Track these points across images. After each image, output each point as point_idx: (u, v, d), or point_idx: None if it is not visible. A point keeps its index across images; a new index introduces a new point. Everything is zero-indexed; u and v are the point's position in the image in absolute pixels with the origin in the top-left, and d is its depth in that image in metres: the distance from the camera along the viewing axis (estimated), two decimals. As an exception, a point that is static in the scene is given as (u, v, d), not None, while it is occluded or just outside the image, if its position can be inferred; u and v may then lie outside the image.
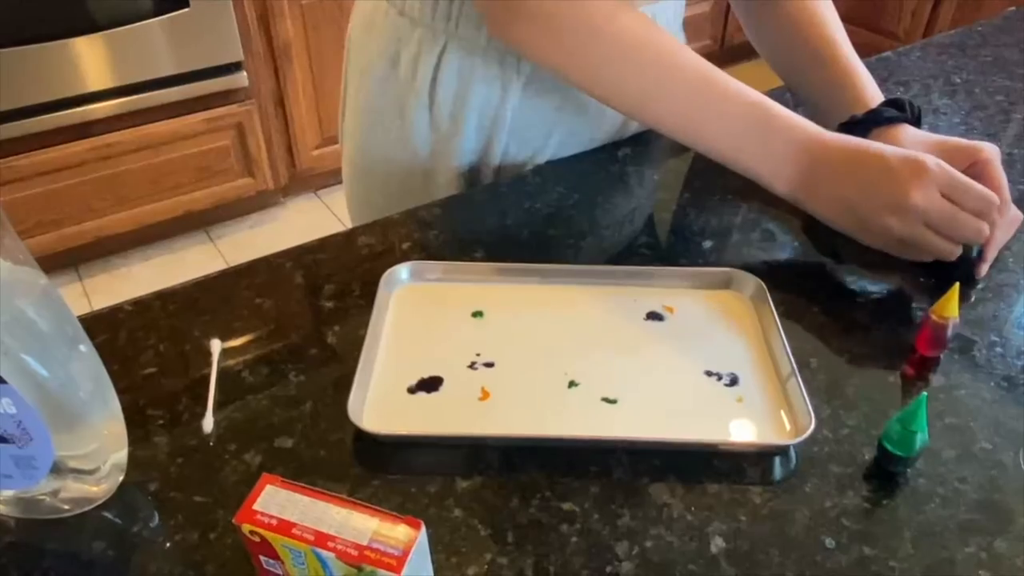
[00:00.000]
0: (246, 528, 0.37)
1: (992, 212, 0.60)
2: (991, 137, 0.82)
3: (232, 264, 0.66)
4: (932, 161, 0.59)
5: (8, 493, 0.45)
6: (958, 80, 0.93)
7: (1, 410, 0.40)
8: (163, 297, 0.61)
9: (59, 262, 2.09)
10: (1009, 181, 0.64)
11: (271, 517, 0.37)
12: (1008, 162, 0.76)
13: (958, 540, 0.45)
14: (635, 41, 0.64)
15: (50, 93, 1.81)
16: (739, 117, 0.64)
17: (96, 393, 0.45)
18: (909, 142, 0.68)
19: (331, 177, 2.34)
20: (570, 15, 0.64)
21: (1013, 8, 1.10)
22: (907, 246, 0.62)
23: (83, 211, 2.00)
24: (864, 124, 0.70)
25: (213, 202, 2.17)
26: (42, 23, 1.73)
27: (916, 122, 0.71)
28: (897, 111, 0.70)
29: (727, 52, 2.85)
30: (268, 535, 0.37)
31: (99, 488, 0.46)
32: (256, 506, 0.38)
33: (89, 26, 1.78)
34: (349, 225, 0.78)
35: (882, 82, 0.78)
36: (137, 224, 2.09)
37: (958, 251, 0.61)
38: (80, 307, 1.71)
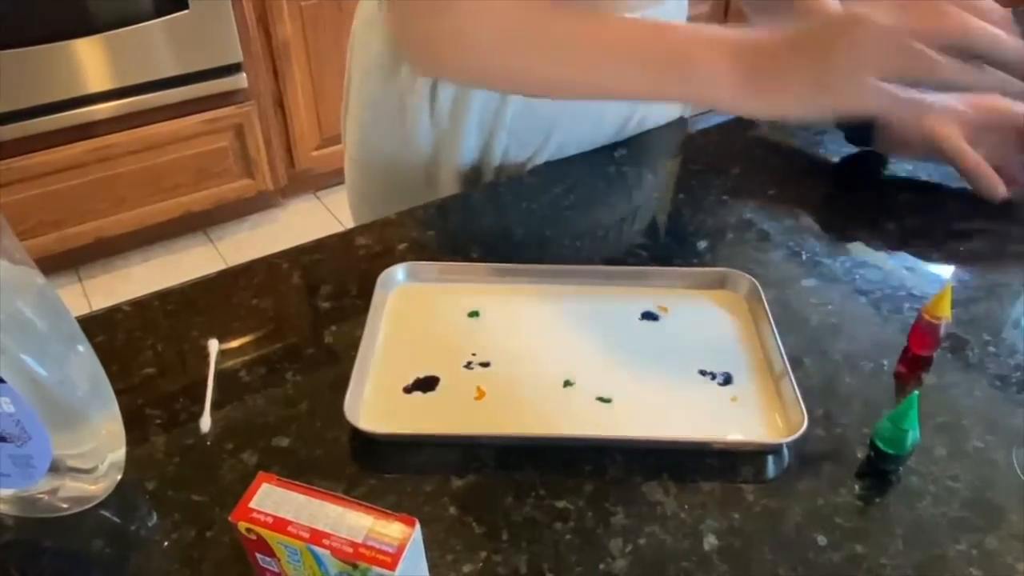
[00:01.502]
0: (242, 526, 0.37)
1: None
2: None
3: (232, 265, 0.66)
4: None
5: (7, 492, 0.45)
6: (954, 81, 0.93)
7: (-1, 409, 0.40)
8: (161, 297, 0.62)
9: (59, 263, 2.09)
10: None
11: (267, 515, 0.37)
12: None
13: (950, 537, 0.45)
14: (550, 30, 0.62)
15: (50, 95, 1.82)
16: (655, 61, 0.62)
17: (94, 392, 0.45)
18: None
19: (330, 178, 2.34)
20: (476, 25, 0.62)
21: (1009, 8, 1.10)
22: (900, 72, 0.57)
23: (83, 212, 2.00)
24: None
25: (213, 203, 2.18)
26: (42, 25, 1.74)
27: None
28: None
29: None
30: (264, 533, 0.37)
31: (97, 487, 0.47)
32: (252, 504, 0.38)
33: (89, 28, 1.79)
34: (349, 224, 0.79)
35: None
36: (137, 225, 2.10)
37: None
38: (80, 308, 1.71)
